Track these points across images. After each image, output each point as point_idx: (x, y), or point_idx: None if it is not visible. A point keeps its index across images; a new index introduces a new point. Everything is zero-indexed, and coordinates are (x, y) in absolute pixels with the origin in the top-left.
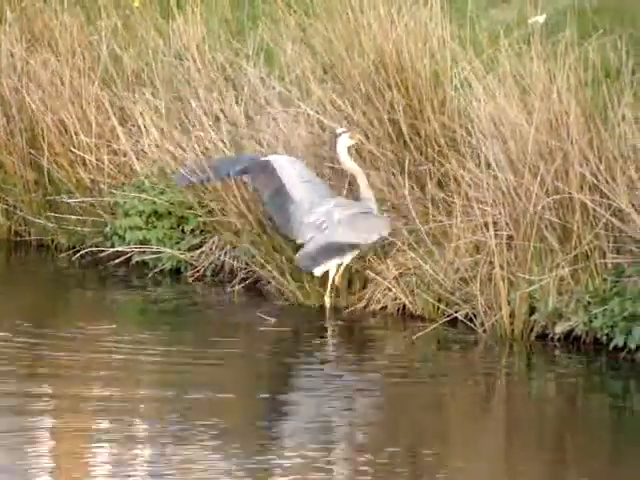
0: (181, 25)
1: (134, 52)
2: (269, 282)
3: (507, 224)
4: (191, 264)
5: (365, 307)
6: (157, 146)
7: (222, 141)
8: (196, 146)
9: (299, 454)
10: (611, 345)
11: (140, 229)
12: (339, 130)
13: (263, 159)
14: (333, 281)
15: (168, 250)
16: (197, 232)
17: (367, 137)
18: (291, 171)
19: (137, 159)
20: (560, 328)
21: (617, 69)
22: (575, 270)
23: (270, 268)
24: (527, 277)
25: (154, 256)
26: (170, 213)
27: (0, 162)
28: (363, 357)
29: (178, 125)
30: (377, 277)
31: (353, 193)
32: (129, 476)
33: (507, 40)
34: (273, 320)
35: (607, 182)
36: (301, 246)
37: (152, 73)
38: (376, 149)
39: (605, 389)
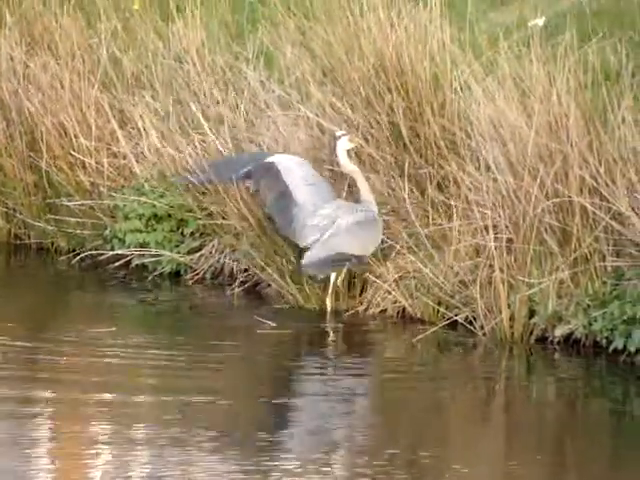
0: (181, 28)
1: (134, 55)
2: (269, 285)
3: (507, 227)
4: (191, 267)
5: (365, 310)
6: (157, 149)
7: (222, 144)
8: (196, 149)
9: (298, 457)
10: (611, 348)
11: (140, 232)
12: (338, 133)
13: (267, 161)
14: (334, 284)
15: (168, 253)
16: (197, 235)
17: (367, 140)
18: (295, 173)
19: (137, 162)
20: (560, 331)
21: (617, 72)
22: (575, 273)
23: (270, 271)
24: (527, 280)
25: (154, 259)
26: (170, 216)
27: (0, 165)
28: (363, 360)
29: (178, 128)
30: (377, 280)
31: (353, 195)
32: (128, 479)
33: (507, 43)
34: (272, 324)
35: (607, 185)
36: (303, 249)
37: (152, 76)
38: (376, 152)
39: (605, 392)
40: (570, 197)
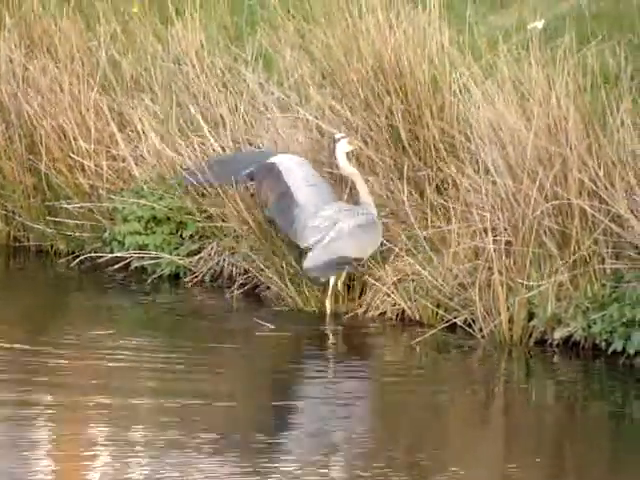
0: (180, 31)
1: (133, 58)
2: (268, 287)
3: (506, 230)
4: (190, 269)
5: (364, 313)
6: (156, 152)
7: (221, 147)
8: (195, 151)
9: (298, 459)
10: (610, 350)
11: (139, 234)
12: (338, 135)
13: (268, 162)
14: (334, 286)
15: (167, 256)
16: (196, 238)
17: (366, 143)
18: (296, 174)
19: (136, 165)
20: (559, 334)
21: (616, 75)
22: (574, 276)
23: (269, 273)
24: (526, 283)
25: (153, 262)
26: (169, 219)
27: None
28: (362, 363)
29: (177, 130)
30: (376, 283)
31: (352, 197)
32: None
33: (506, 46)
34: (271, 326)
35: (606, 188)
36: (304, 250)
37: (151, 79)
38: (375, 155)
39: (604, 395)
40: (569, 200)
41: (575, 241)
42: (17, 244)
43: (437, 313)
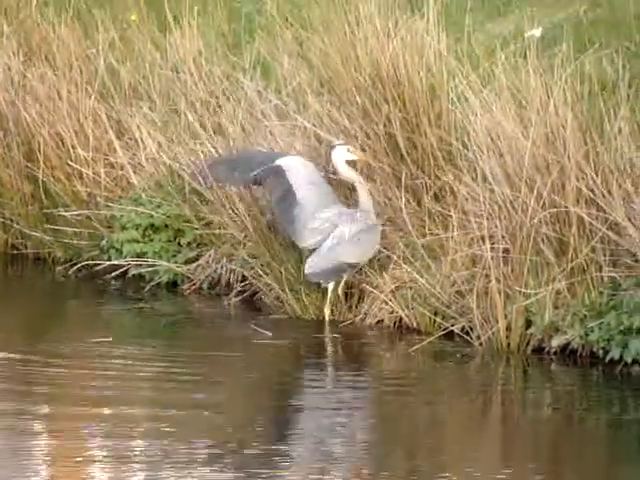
0: (178, 38)
1: (131, 65)
2: (266, 295)
3: (503, 237)
4: (188, 277)
5: (362, 320)
6: (154, 159)
7: (219, 154)
8: (193, 159)
9: (296, 469)
10: (607, 358)
11: (137, 242)
12: (335, 142)
13: (274, 165)
14: (333, 292)
15: (165, 263)
16: (194, 245)
17: (364, 150)
18: (300, 174)
19: (134, 172)
20: (556, 341)
21: (613, 82)
22: (571, 283)
23: (268, 280)
24: (523, 290)
25: (151, 269)
26: (167, 226)
27: None
28: (360, 371)
29: (175, 138)
30: (374, 291)
31: (352, 200)
32: None
33: (503, 54)
34: (269, 334)
35: (603, 196)
36: (304, 253)
37: (149, 86)
38: (373, 162)
39: (601, 402)
40: (567, 208)
41: (572, 249)
42: (15, 252)
43: (434, 321)
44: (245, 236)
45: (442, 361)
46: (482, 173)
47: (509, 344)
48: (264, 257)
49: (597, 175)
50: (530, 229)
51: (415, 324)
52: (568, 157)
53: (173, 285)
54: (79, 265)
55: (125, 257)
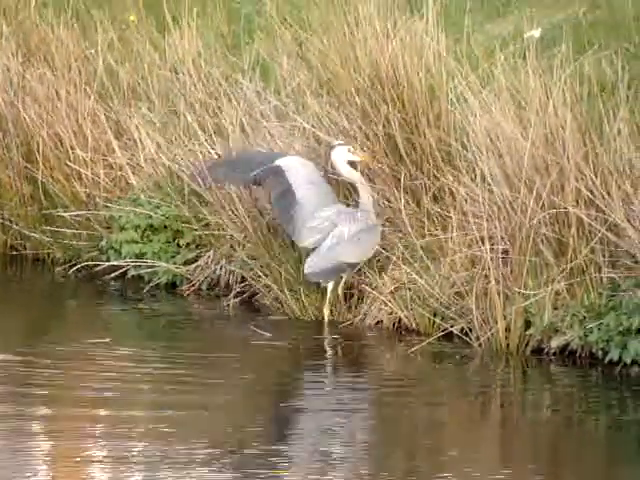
0: (177, 39)
1: (130, 66)
2: (265, 296)
3: (503, 238)
4: (187, 278)
5: (361, 321)
6: (153, 160)
7: (218, 155)
8: (192, 160)
9: (295, 471)
10: (606, 359)
11: (136, 243)
12: (334, 143)
13: (274, 165)
14: (332, 292)
15: (164, 264)
16: (193, 246)
17: (363, 151)
18: (299, 173)
19: (133, 173)
20: (556, 342)
21: (613, 84)
22: (571, 284)
23: (267, 281)
24: (523, 291)
25: (150, 270)
26: (166, 227)
27: None
28: (359, 372)
29: (174, 139)
30: (373, 292)
31: (351, 200)
32: None
33: (503, 54)
34: (268, 335)
35: (603, 197)
36: (302, 251)
37: (148, 87)
38: (373, 165)
39: (601, 403)
40: (566, 208)
41: (572, 250)
42: (14, 252)
43: (434, 322)
44: (244, 237)
45: (441, 362)
46: (481, 174)
47: (508, 345)
48: (263, 258)
49: (596, 176)
50: (529, 230)
51: (414, 325)
52: (567, 158)
53: (172, 286)
54: (78, 266)
55: (124, 258)
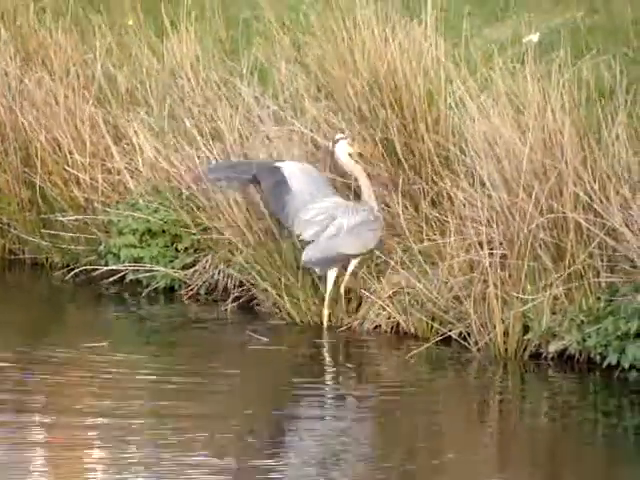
0: (175, 44)
1: (128, 71)
2: (263, 300)
3: (501, 243)
4: (185, 282)
5: (359, 326)
6: (151, 164)
7: (216, 160)
8: (190, 164)
9: (293, 476)
10: (604, 364)
11: (134, 247)
12: (337, 136)
13: (273, 165)
14: (331, 292)
15: (162, 268)
16: (191, 250)
17: (361, 155)
18: (296, 170)
19: (131, 177)
20: (554, 347)
21: (611, 88)
22: (569, 289)
23: (265, 285)
24: (521, 296)
25: (148, 274)
26: (164, 231)
27: None
28: (357, 376)
29: (172, 144)
30: (371, 296)
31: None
32: None
33: (501, 59)
34: (266, 339)
35: (601, 201)
36: (302, 242)
37: (146, 92)
38: (370, 168)
39: (599, 408)
40: (564, 213)
41: (570, 254)
42: (12, 257)
43: (432, 326)
44: (242, 242)
45: (439, 366)
46: (480, 178)
47: (506, 349)
48: (261, 263)
49: (595, 181)
50: (528, 235)
51: (412, 329)
52: (566, 163)
53: (170, 290)
54: (76, 270)
55: (122, 262)
